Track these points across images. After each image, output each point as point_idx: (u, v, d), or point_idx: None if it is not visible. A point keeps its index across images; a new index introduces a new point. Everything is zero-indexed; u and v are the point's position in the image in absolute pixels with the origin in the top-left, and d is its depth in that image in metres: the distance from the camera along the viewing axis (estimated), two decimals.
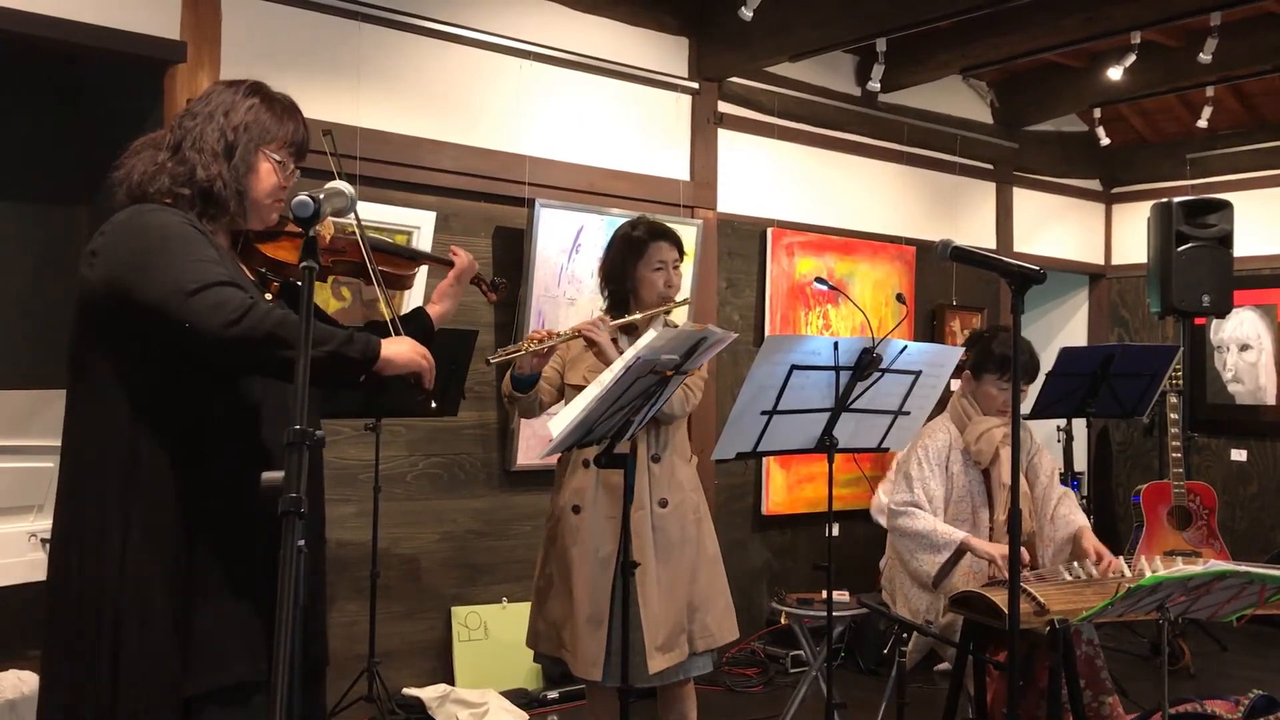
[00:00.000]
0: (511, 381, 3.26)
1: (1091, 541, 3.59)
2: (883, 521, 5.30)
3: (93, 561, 1.91)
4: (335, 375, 1.97)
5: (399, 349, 2.04)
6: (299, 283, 2.15)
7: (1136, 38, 5.67)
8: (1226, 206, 6.25)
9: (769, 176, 5.84)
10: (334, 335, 1.93)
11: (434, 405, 2.24)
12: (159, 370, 1.93)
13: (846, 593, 4.97)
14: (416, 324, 2.45)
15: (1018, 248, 7.07)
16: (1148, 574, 2.87)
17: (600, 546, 3.27)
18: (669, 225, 3.54)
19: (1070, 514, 3.74)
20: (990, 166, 6.95)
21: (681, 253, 3.46)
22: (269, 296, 2.11)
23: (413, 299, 4.23)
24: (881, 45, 5.50)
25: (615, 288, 3.44)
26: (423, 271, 3.97)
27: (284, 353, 1.84)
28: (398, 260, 2.45)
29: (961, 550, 3.52)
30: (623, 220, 5.05)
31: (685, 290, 3.83)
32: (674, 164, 5.45)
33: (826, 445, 3.00)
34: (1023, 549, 3.48)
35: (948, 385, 3.17)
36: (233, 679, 1.93)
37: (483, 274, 2.70)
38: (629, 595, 2.92)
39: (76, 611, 1.92)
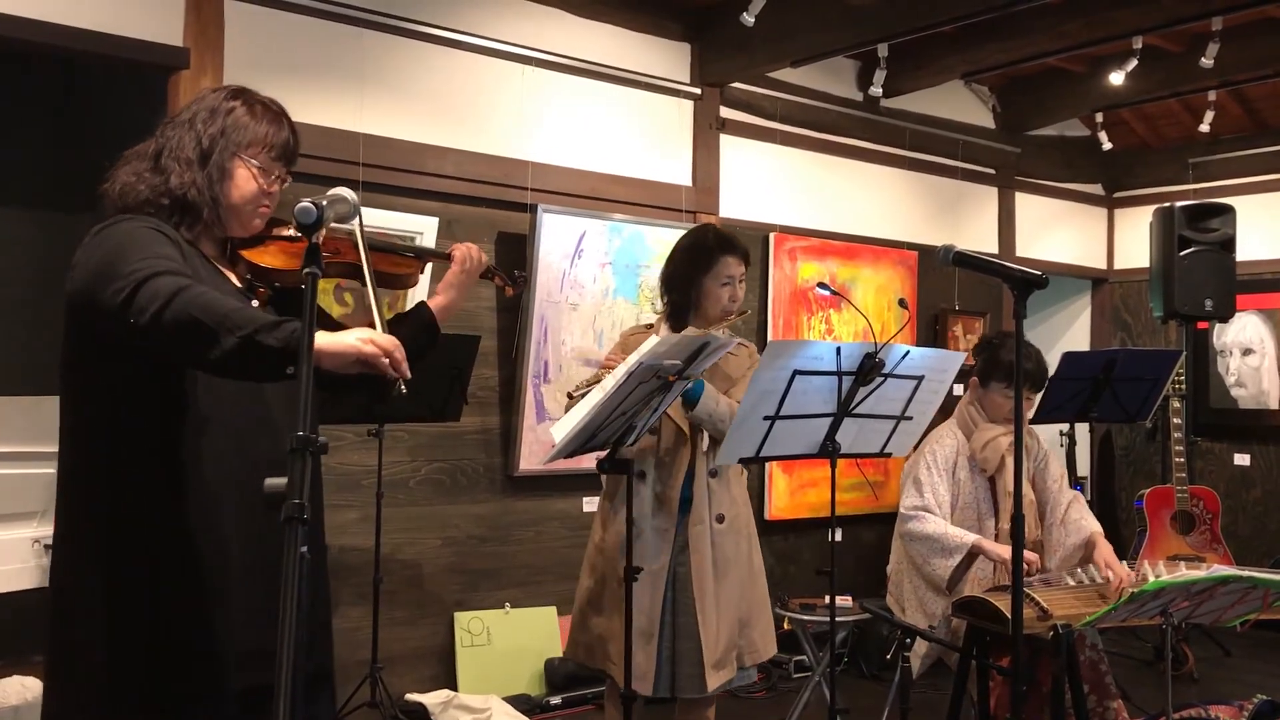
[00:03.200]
0: None
1: (1103, 554, 3.51)
2: None
3: (85, 569, 1.93)
4: (250, 366, 1.75)
5: (335, 338, 1.80)
6: (289, 288, 2.14)
7: (1138, 43, 5.67)
8: (1229, 211, 6.25)
9: (771, 181, 5.84)
10: (252, 320, 1.74)
11: (403, 390, 1.99)
12: (138, 378, 1.93)
13: (849, 598, 4.96)
14: (414, 319, 2.35)
15: (1020, 252, 7.07)
16: (1151, 579, 2.87)
17: (654, 559, 3.23)
18: (737, 236, 3.45)
19: (1082, 519, 3.70)
20: (992, 171, 6.95)
21: (748, 265, 3.37)
22: (255, 303, 2.07)
23: (417, 298, 4.23)
24: (883, 50, 5.49)
25: (677, 298, 3.35)
26: (427, 270, 3.96)
27: (207, 341, 1.72)
28: (397, 258, 2.36)
29: (974, 553, 3.51)
30: (625, 225, 5.10)
31: None
32: (676, 169, 5.45)
33: (829, 450, 3.00)
34: (1033, 553, 3.48)
35: (950, 390, 3.16)
36: (218, 685, 1.93)
37: (499, 266, 2.58)
38: (630, 604, 2.92)
39: (72, 619, 1.94)
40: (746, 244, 3.47)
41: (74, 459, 1.97)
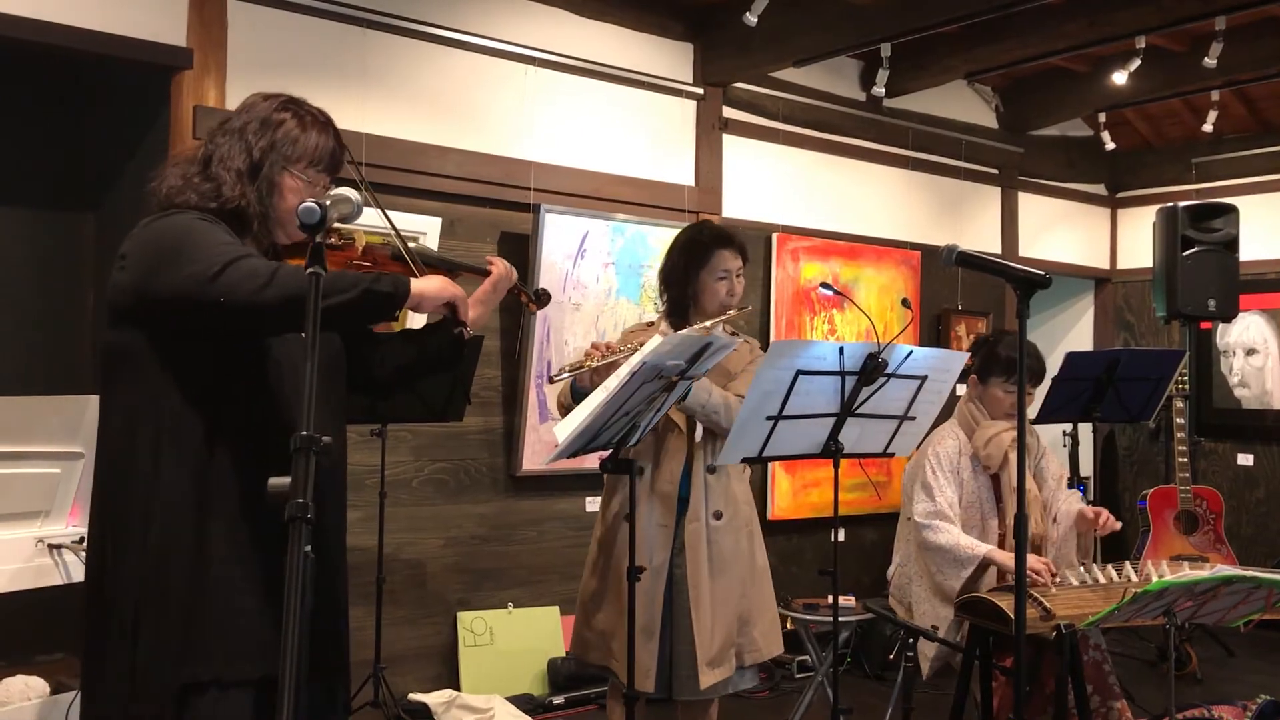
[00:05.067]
0: (572, 395, 3.14)
1: (1084, 509, 3.59)
2: None
3: (118, 559, 1.96)
4: (370, 313, 2.03)
5: (431, 282, 2.10)
6: None
7: (1141, 42, 5.66)
8: (1232, 210, 6.24)
9: (774, 181, 5.84)
10: (362, 277, 1.97)
11: (469, 334, 2.23)
12: (182, 367, 1.97)
13: (852, 598, 4.96)
14: (445, 331, 2.36)
15: (1023, 252, 7.07)
16: (1154, 579, 2.87)
17: (653, 555, 3.23)
18: (733, 231, 3.47)
19: (1070, 508, 3.73)
20: (995, 171, 6.94)
21: (745, 260, 3.39)
22: None
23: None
24: (886, 50, 5.48)
25: (675, 294, 3.37)
26: None
27: (321, 301, 1.85)
28: (434, 270, 2.35)
29: (985, 564, 3.51)
30: (628, 225, 5.10)
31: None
32: (679, 169, 5.45)
33: (832, 450, 3.00)
34: (1049, 561, 3.48)
35: (953, 390, 3.16)
36: (235, 675, 1.94)
37: (523, 284, 2.59)
38: (633, 603, 2.92)
39: (103, 606, 1.97)
40: (748, 244, 3.47)
41: (116, 449, 2.00)
